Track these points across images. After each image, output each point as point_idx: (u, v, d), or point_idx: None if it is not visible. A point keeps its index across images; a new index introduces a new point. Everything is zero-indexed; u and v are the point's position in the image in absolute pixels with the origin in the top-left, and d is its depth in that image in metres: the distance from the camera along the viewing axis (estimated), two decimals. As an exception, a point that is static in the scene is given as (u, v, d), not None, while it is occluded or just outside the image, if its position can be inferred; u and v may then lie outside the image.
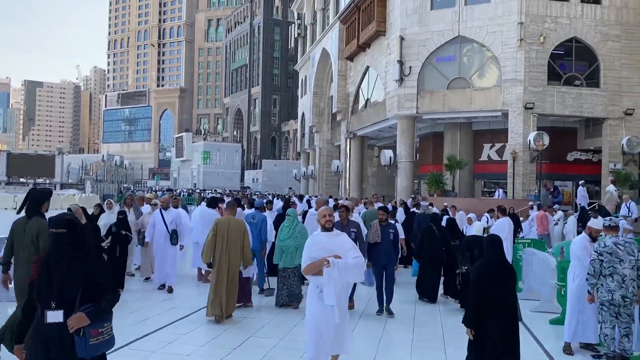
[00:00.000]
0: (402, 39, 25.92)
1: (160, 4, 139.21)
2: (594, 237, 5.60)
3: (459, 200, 21.71)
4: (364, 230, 8.27)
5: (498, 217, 10.18)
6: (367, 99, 31.76)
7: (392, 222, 8.72)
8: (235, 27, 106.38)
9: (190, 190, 58.21)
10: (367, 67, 31.15)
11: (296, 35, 49.83)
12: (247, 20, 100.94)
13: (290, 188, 62.54)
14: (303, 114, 49.07)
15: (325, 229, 4.64)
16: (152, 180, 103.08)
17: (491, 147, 28.25)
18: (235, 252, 7.12)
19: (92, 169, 58.79)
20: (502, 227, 9.53)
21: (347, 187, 34.42)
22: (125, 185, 76.82)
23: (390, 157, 26.85)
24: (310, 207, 15.78)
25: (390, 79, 26.70)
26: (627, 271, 4.84)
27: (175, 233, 9.31)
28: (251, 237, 7.97)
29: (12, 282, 5.22)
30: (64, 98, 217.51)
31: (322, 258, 4.36)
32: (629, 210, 16.26)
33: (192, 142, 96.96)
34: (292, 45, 59.89)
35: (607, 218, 5.47)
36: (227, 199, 16.55)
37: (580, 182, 21.39)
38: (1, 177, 42.55)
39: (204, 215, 10.10)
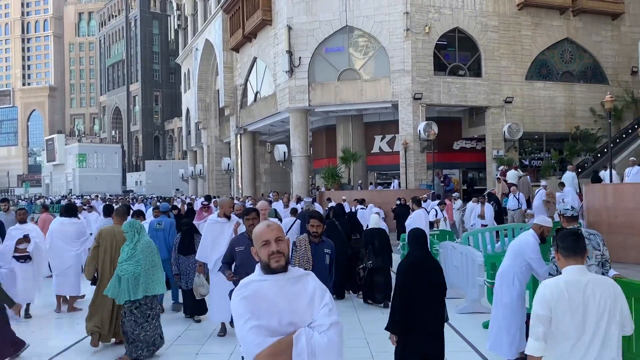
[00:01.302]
0: (289, 28, 24.90)
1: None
2: (544, 237, 4.87)
3: (356, 193, 21.20)
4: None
5: (413, 209, 9.44)
6: (257, 92, 30.41)
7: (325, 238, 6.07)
8: (109, 20, 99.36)
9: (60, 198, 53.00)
10: (255, 58, 29.78)
11: (176, 27, 46.99)
12: (122, 13, 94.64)
13: (177, 189, 59.39)
14: (188, 110, 46.50)
15: (271, 269, 2.33)
16: (21, 187, 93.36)
17: (382, 139, 28.25)
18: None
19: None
20: (419, 219, 8.75)
21: (240, 185, 32.85)
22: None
23: (285, 152, 25.79)
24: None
25: (280, 71, 25.60)
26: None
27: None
28: (158, 245, 7.24)
29: None
30: None
31: (287, 335, 2.19)
32: (518, 202, 15.63)
33: (66, 145, 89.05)
34: (173, 37, 56.59)
35: (569, 207, 4.73)
36: (96, 204, 14.48)
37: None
38: None
39: (63, 229, 8.24)
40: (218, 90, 36.73)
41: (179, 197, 37.21)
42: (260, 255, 2.33)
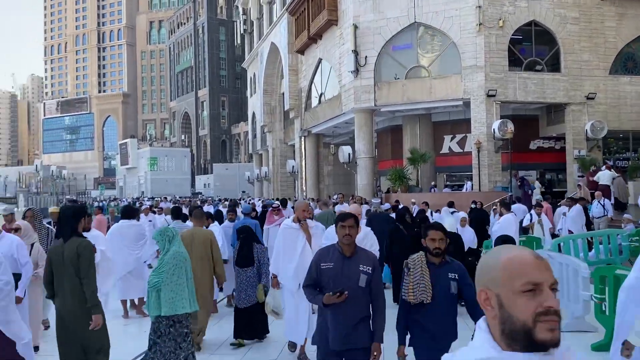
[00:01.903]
0: (355, 27, 24.38)
1: (98, 6, 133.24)
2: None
3: (425, 196, 20.32)
4: None
5: (501, 214, 8.62)
6: (321, 94, 30.09)
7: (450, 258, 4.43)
8: (178, 28, 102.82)
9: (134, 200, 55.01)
10: (320, 60, 29.48)
11: (242, 32, 47.65)
12: (190, 20, 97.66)
13: (243, 191, 60.31)
14: (253, 114, 46.99)
15: (536, 342, 1.22)
16: (97, 190, 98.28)
17: (452, 139, 27.14)
18: (202, 269, 6.30)
19: (23, 180, 54.71)
20: (508, 225, 7.87)
21: (304, 187, 32.64)
22: (68, 196, 72.48)
23: (349, 154, 25.26)
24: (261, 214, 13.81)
25: (345, 71, 25.11)
26: None
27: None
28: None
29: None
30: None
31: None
32: (603, 208, 13.99)
33: (138, 149, 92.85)
34: (239, 42, 57.61)
35: None
36: (165, 206, 14.47)
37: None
38: None
39: (122, 232, 7.98)
40: (283, 94, 36.78)
41: (244, 199, 37.57)
42: (514, 309, 1.20)
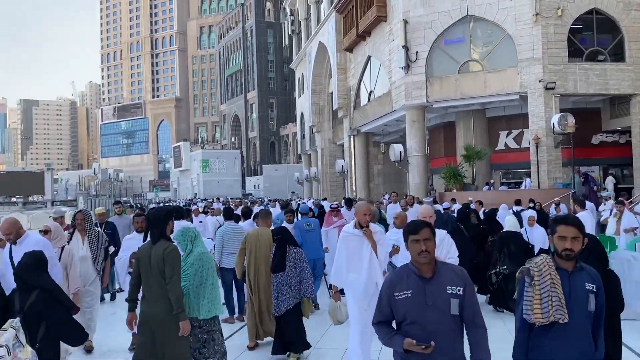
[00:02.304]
0: (405, 22, 23.85)
1: (150, 14, 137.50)
2: None
3: (481, 194, 19.62)
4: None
5: (575, 211, 8.05)
6: (371, 92, 29.69)
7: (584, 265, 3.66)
8: (227, 32, 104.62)
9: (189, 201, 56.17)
10: (369, 57, 29.10)
11: (290, 33, 47.79)
12: (239, 24, 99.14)
13: (293, 192, 60.58)
14: (302, 115, 47.05)
15: None
16: (152, 192, 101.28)
17: (508, 135, 26.20)
18: (268, 270, 6.19)
19: (83, 183, 56.83)
20: (584, 223, 7.33)
21: (354, 187, 32.32)
22: (124, 198, 74.94)
23: (400, 152, 24.74)
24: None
25: (396, 67, 24.64)
26: None
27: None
28: (309, 246, 7.91)
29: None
30: (60, 115, 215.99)
31: None
32: None
33: (190, 152, 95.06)
34: (286, 43, 57.88)
35: None
36: (216, 206, 14.45)
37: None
38: (-12, 197, 40.54)
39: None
40: (331, 93, 36.60)
41: (294, 200, 37.62)
42: None
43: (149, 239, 4.50)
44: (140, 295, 4.52)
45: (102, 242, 6.57)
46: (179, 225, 7.76)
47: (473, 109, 25.07)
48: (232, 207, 12.00)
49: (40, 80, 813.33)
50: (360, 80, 30.77)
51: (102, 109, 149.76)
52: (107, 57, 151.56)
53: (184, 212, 8.74)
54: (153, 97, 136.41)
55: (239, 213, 10.12)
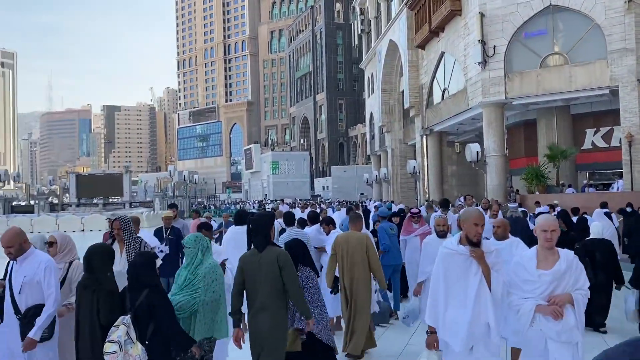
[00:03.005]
0: (482, 15, 22.66)
1: (224, 20, 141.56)
2: None
3: (566, 197, 18.17)
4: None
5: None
6: (444, 89, 28.57)
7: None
8: (297, 35, 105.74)
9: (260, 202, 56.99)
10: (442, 54, 28.01)
11: (359, 32, 47.25)
12: (308, 27, 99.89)
13: (362, 194, 59.95)
14: (371, 115, 46.34)
15: None
16: (225, 193, 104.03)
17: (595, 133, 24.32)
18: (359, 275, 5.86)
19: (159, 185, 58.95)
20: None
21: (426, 189, 31.24)
22: (199, 200, 77.35)
23: (477, 152, 23.50)
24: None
25: (472, 63, 23.47)
26: None
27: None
28: (392, 251, 7.75)
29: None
30: (140, 120, 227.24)
31: None
32: None
33: (261, 154, 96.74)
34: (356, 43, 57.35)
35: None
36: (283, 209, 14.10)
37: None
38: (72, 198, 42.90)
39: (237, 238, 7.19)
40: (402, 92, 35.70)
41: (363, 202, 37.03)
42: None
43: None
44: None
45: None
46: (234, 232, 7.39)
47: (556, 105, 23.44)
48: (292, 211, 11.38)
49: (122, 87, 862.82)
50: (433, 77, 29.71)
51: (178, 113, 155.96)
52: (183, 63, 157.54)
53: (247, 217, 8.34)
54: (226, 101, 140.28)
55: (305, 217, 9.41)
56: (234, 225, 7.77)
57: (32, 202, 43.14)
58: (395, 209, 15.36)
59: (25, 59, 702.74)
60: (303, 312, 4.26)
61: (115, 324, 3.68)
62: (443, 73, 28.66)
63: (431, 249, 5.62)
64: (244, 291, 4.21)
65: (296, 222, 7.56)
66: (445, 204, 10.59)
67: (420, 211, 8.66)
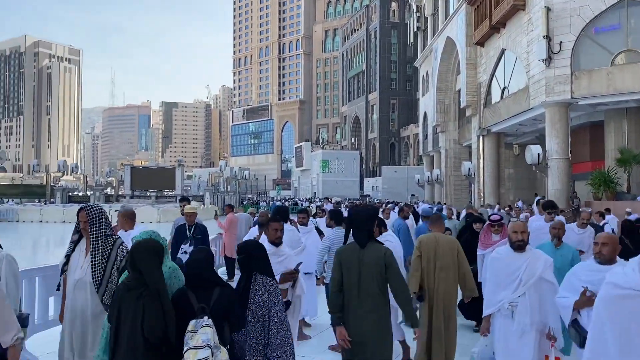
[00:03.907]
0: (548, 9, 21.36)
1: (279, 19, 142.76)
2: None
3: (638, 204, 16.75)
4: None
5: None
6: (504, 88, 27.25)
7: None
8: (351, 34, 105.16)
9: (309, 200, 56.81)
10: (503, 50, 26.70)
11: (415, 30, 46.12)
12: (363, 26, 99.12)
13: (412, 195, 58.71)
14: (425, 114, 45.16)
15: None
16: (274, 190, 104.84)
17: (671, 136, 22.43)
18: (447, 283, 5.26)
19: (210, 180, 59.78)
20: None
21: (482, 192, 29.95)
22: (250, 195, 78.19)
23: (539, 154, 22.18)
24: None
25: (535, 60, 22.17)
26: None
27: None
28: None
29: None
30: (196, 116, 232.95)
31: None
32: None
33: (311, 152, 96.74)
34: (411, 41, 56.10)
35: None
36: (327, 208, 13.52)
37: None
38: (126, 190, 44.04)
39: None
40: (458, 91, 34.46)
41: (414, 203, 36.01)
42: None
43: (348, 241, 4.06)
44: None
45: (116, 259, 4.06)
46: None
47: (628, 106, 21.79)
48: (341, 210, 10.66)
49: (180, 84, 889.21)
50: (492, 75, 28.41)
51: (232, 111, 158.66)
52: (239, 62, 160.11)
53: (288, 213, 7.18)
54: (279, 99, 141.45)
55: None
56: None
57: (88, 193, 44.58)
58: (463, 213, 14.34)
59: (90, 57, 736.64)
60: (410, 318, 3.98)
61: (189, 328, 3.15)
62: (503, 71, 27.35)
63: (502, 267, 4.29)
64: (342, 290, 3.91)
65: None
66: (550, 206, 8.51)
67: (502, 217, 6.70)
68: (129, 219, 5.84)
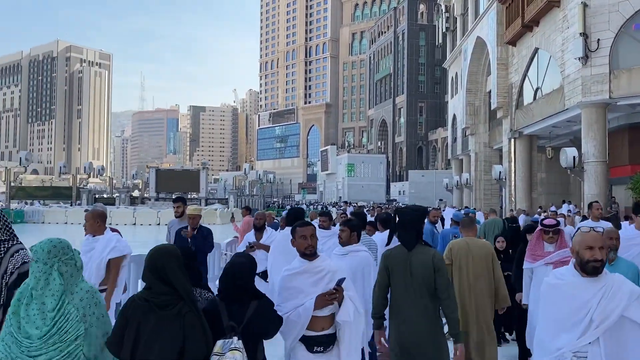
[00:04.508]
0: (585, 5, 20.38)
1: (306, 23, 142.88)
2: None
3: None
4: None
5: None
6: (537, 89, 26.23)
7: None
8: (378, 37, 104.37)
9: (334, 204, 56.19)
10: (536, 50, 25.71)
11: (444, 30, 45.21)
12: (390, 29, 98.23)
13: (440, 200, 57.54)
14: (454, 117, 44.16)
15: None
16: (300, 194, 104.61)
17: None
18: (482, 290, 4.86)
19: (235, 183, 59.71)
20: None
21: (513, 197, 28.90)
22: (274, 199, 78.08)
23: (574, 158, 21.16)
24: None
25: (570, 59, 21.19)
26: None
27: None
28: None
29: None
30: (223, 120, 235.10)
31: None
32: None
33: (337, 155, 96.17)
34: (440, 41, 55.07)
35: None
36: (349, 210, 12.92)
37: None
38: (151, 193, 44.26)
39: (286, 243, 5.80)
40: (489, 92, 33.48)
41: (442, 208, 35.09)
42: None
43: (390, 243, 3.95)
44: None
45: (6, 272, 3.26)
46: (285, 236, 5.77)
47: (671, 107, 20.64)
48: (364, 212, 9.60)
49: (208, 88, 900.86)
50: (525, 76, 27.41)
51: (259, 114, 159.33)
52: (265, 65, 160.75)
53: (304, 216, 6.34)
54: (305, 103, 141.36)
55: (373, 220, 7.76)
56: (286, 227, 6.20)
57: (114, 195, 44.92)
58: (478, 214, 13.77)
59: (120, 61, 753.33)
60: (453, 329, 3.62)
61: (215, 350, 2.66)
62: (536, 71, 26.34)
63: (564, 299, 2.83)
64: (386, 294, 3.80)
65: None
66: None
67: (558, 223, 5.34)
68: (99, 221, 4.95)
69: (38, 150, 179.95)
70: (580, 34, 20.33)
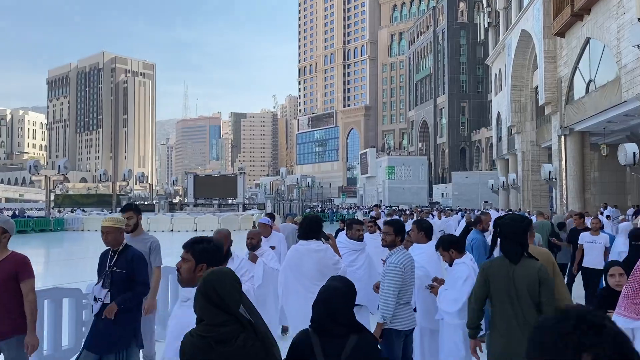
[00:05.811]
0: (643, -12, 18.73)
1: (344, 25, 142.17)
2: None
3: None
4: None
5: None
6: (590, 81, 24.50)
7: None
8: (418, 37, 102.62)
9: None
10: (587, 40, 24.02)
11: (486, 26, 43.50)
12: (430, 29, 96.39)
13: (485, 201, 55.49)
14: (498, 115, 42.37)
15: None
16: (339, 198, 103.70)
17: None
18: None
19: (272, 188, 59.31)
20: None
21: (564, 198, 27.12)
22: (314, 203, 77.42)
23: (634, 154, 19.47)
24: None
25: (627, 47, 19.53)
26: None
27: None
28: None
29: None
30: (263, 126, 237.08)
31: None
32: None
33: (377, 158, 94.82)
34: (482, 38, 53.16)
35: None
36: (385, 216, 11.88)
37: None
38: (190, 199, 44.28)
39: (302, 261, 4.96)
40: (536, 88, 31.77)
41: (487, 209, 33.49)
42: None
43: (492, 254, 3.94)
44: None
45: None
46: (298, 251, 4.98)
47: None
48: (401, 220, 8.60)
49: (249, 95, 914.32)
50: (575, 68, 25.70)
51: (298, 119, 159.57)
52: (304, 70, 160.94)
53: (320, 227, 5.33)
54: (344, 106, 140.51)
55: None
56: (300, 241, 5.19)
57: (154, 202, 45.24)
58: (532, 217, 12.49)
59: (164, 71, 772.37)
60: None
61: None
62: (588, 62, 24.63)
63: None
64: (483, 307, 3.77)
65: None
66: None
67: None
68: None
69: (86, 159, 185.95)
70: (639, 19, 18.69)
